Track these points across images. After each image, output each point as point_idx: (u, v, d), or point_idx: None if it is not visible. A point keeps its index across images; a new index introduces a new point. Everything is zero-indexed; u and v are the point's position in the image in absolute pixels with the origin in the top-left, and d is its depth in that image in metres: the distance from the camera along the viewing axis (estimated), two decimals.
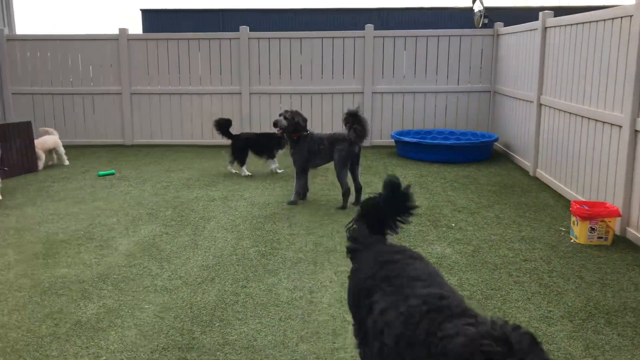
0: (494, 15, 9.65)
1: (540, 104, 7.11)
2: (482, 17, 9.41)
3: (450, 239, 4.88)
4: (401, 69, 9.67)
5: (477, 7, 9.50)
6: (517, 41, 8.20)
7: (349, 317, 3.39)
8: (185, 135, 10.01)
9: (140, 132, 10.03)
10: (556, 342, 3.16)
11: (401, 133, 9.07)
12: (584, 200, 5.46)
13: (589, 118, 5.64)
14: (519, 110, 8.02)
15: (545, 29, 6.98)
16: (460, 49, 9.51)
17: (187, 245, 4.75)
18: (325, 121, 9.77)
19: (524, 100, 7.74)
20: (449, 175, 7.29)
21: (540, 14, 7.07)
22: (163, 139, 10.03)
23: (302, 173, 6.09)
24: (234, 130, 7.81)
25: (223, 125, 7.47)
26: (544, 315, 3.47)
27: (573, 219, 4.83)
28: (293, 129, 6.02)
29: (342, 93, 9.73)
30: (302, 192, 6.15)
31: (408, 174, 7.42)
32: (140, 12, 48.74)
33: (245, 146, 7.42)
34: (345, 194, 5.84)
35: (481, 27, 9.64)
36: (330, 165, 7.43)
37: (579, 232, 4.71)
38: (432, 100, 9.67)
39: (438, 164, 7.97)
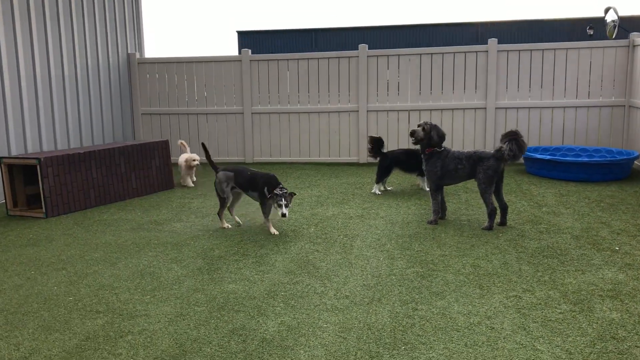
0: (626, 24, 9.12)
1: None
2: (616, 28, 8.92)
3: (620, 263, 4.56)
4: (526, 83, 9.34)
5: (610, 17, 9.03)
6: None
7: (540, 346, 3.21)
8: (303, 153, 10.13)
9: (260, 150, 10.26)
10: None
11: (530, 150, 8.72)
12: None
13: None
14: None
15: None
16: (591, 62, 9.06)
17: (341, 263, 4.72)
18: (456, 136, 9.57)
19: None
20: (592, 195, 6.89)
21: None
22: (282, 156, 10.20)
23: (436, 191, 5.93)
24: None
25: (376, 143, 7.40)
26: None
27: None
28: (427, 143, 5.91)
29: (464, 109, 9.52)
30: (440, 211, 6.00)
31: (547, 193, 7.09)
32: (236, 33, 50.54)
33: (391, 164, 7.35)
34: (492, 213, 5.63)
35: (614, 38, 9.14)
36: (465, 183, 7.26)
37: None
38: (559, 115, 9.26)
39: (575, 183, 7.57)
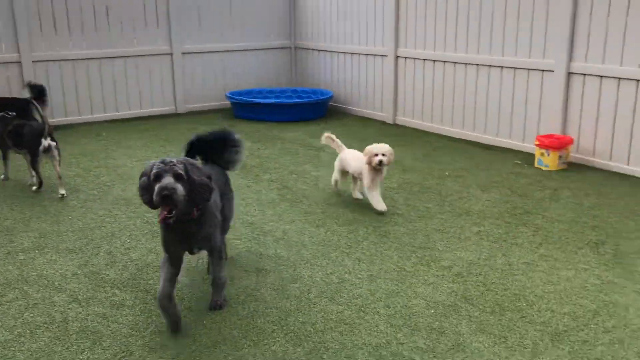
0: None
1: (397, 57, 7.83)
2: None
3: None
4: (207, 25, 8.94)
5: None
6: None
7: None
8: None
9: None
10: None
11: (234, 94, 8.60)
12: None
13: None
14: (351, 64, 8.56)
15: None
16: (262, 4, 9.31)
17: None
18: (131, 89, 8.39)
19: (369, 54, 8.25)
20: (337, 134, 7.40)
21: None
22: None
23: None
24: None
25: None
26: None
27: (541, 151, 5.77)
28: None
29: (150, 55, 8.52)
30: None
31: (285, 137, 7.20)
32: None
33: None
34: None
35: None
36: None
37: (551, 161, 5.70)
38: (240, 58, 9.30)
39: (294, 124, 7.89)
